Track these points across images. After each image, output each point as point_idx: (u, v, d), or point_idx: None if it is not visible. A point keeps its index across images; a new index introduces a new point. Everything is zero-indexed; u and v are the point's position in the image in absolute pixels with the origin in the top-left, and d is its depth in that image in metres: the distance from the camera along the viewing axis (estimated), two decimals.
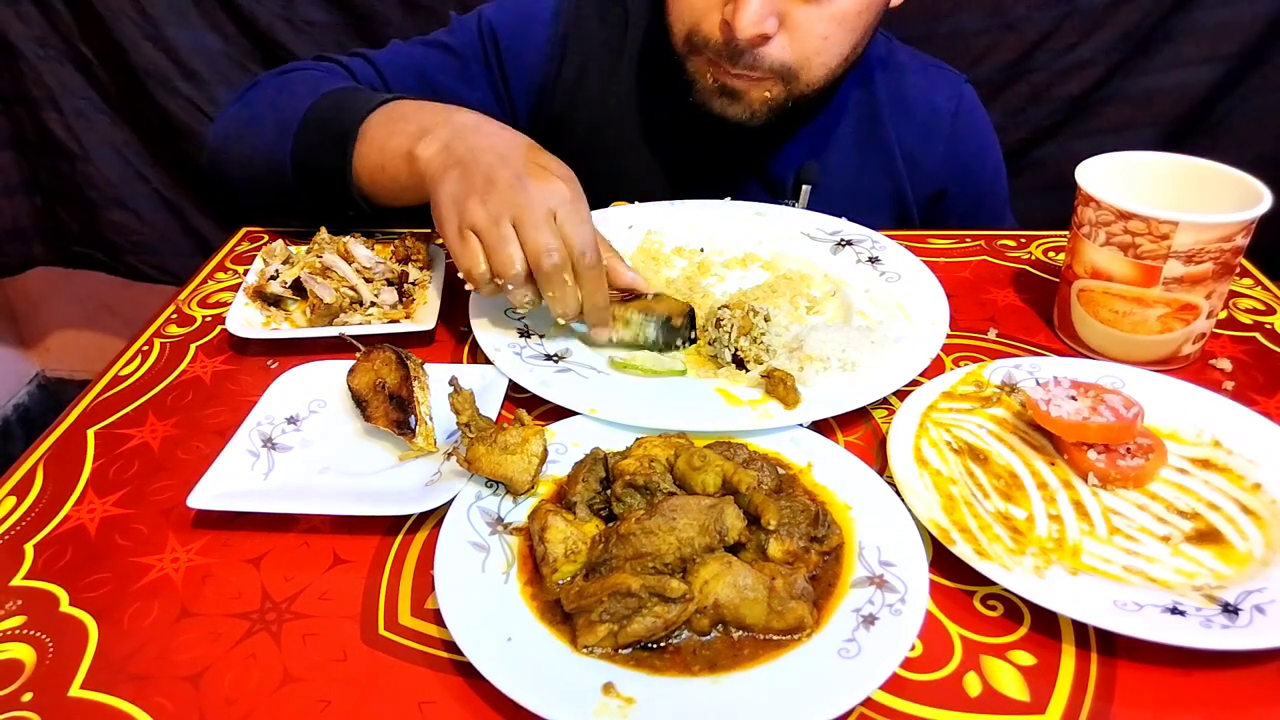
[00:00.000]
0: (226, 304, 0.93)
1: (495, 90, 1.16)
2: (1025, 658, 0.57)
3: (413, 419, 0.71)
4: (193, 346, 0.88)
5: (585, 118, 1.16)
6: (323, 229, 0.97)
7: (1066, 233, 0.89)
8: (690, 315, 0.85)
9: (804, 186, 1.13)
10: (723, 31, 0.97)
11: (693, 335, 0.86)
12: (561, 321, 0.82)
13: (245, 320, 0.88)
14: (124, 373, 0.85)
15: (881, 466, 0.71)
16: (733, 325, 0.81)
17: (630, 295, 0.86)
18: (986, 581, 0.60)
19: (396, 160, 0.89)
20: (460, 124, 0.86)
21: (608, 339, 0.84)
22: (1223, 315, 0.92)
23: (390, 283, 0.92)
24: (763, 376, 0.77)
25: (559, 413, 0.76)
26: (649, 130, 1.12)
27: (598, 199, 0.90)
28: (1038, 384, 0.76)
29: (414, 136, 0.87)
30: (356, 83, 1.10)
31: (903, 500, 0.66)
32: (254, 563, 0.64)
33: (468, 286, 0.82)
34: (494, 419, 0.73)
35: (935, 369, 0.82)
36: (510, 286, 0.79)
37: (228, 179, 1.09)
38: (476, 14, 1.16)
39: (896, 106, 1.16)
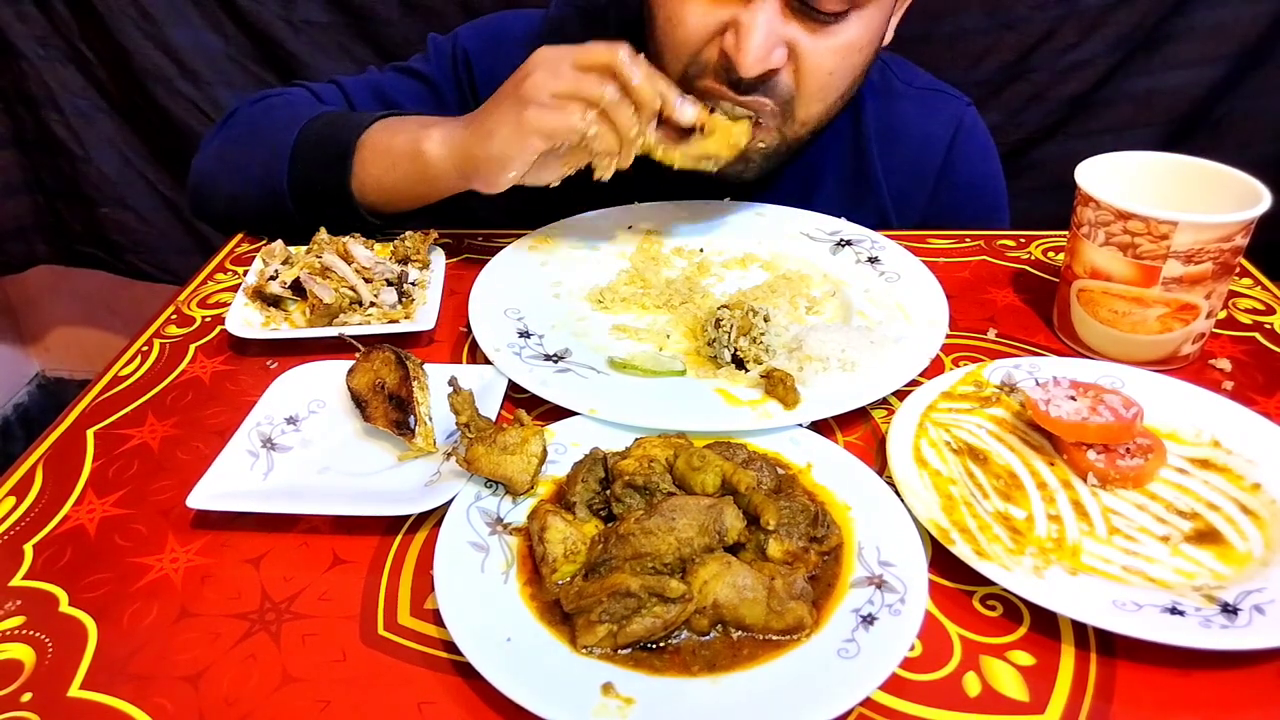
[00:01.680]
0: (226, 304, 0.93)
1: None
2: (1024, 658, 0.57)
3: (412, 419, 0.71)
4: (192, 347, 0.88)
5: None
6: (322, 229, 0.97)
7: (1066, 233, 0.89)
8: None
9: None
10: (721, 60, 0.91)
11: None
12: (651, 138, 0.88)
13: (245, 320, 0.88)
14: (124, 373, 0.85)
15: (881, 466, 0.71)
16: (732, 325, 0.81)
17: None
18: (986, 581, 0.60)
19: (403, 159, 0.93)
20: (450, 119, 0.93)
21: (696, 113, 0.88)
22: (1222, 315, 0.91)
23: (390, 283, 0.92)
24: (762, 376, 0.77)
25: (558, 413, 0.76)
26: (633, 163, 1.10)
27: None
28: (1037, 384, 0.76)
29: (415, 137, 0.91)
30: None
31: (902, 500, 0.66)
32: (253, 563, 0.64)
33: (602, 163, 0.87)
34: (493, 419, 0.73)
35: (935, 369, 0.82)
36: (594, 133, 0.84)
37: (215, 211, 1.10)
38: (453, 36, 1.15)
39: (884, 138, 1.13)
